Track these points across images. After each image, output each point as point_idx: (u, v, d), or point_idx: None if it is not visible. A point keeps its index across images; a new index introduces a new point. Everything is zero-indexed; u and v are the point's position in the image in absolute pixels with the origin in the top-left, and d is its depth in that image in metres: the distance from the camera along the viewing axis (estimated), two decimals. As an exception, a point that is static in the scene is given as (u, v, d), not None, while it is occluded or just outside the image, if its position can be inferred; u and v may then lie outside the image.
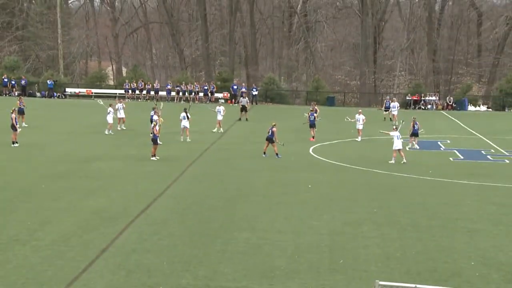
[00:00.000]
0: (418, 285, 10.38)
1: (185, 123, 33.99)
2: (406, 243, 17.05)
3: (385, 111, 48.49)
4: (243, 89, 58.25)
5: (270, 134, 29.44)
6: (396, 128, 29.80)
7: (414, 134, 33.23)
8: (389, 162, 29.03)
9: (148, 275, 14.22)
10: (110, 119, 36.30)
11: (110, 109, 36.66)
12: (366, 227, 18.55)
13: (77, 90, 64.72)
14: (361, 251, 16.33)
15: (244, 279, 14.16)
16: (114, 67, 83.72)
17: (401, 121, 32.67)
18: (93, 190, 22.52)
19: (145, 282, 13.76)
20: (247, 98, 49.12)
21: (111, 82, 74.89)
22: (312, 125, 35.74)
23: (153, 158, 28.47)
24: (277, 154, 29.51)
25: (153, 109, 34.83)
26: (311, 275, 14.53)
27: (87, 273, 14.26)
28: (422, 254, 16.14)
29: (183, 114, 34.13)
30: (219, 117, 37.68)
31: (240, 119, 45.07)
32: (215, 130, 37.67)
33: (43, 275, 14.04)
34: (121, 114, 38.65)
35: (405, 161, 28.97)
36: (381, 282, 10.20)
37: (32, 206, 20.00)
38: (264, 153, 29.80)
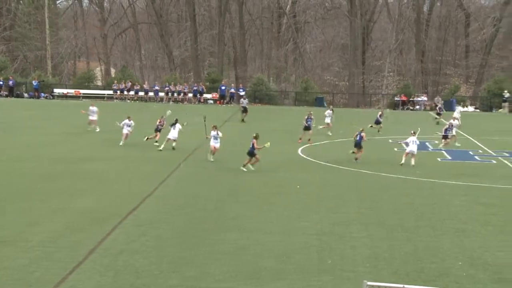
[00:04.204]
0: (406, 285, 10.42)
1: (175, 134, 32.81)
2: (394, 244, 17.10)
3: (438, 115, 48.13)
4: (242, 92, 58.51)
5: (251, 148, 26.80)
6: (414, 133, 29.66)
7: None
8: (401, 163, 28.76)
9: (136, 276, 14.19)
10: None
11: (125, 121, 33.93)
12: (354, 228, 18.59)
13: (65, 91, 64.50)
14: (349, 252, 16.36)
15: (232, 280, 14.16)
16: (102, 68, 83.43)
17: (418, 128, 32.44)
18: (82, 191, 22.44)
19: (133, 283, 13.73)
20: (247, 100, 49.01)
21: (100, 83, 74.64)
22: (308, 128, 35.64)
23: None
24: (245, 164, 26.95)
25: (176, 120, 33.61)
26: (299, 275, 14.54)
27: (75, 273, 14.21)
28: (410, 255, 16.19)
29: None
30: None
31: (243, 120, 44.94)
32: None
33: (31, 276, 13.98)
34: (94, 116, 38.05)
35: (413, 164, 28.75)
36: (369, 283, 10.22)
37: (21, 207, 19.89)
38: (244, 165, 26.89)
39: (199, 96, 61.04)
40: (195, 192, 22.78)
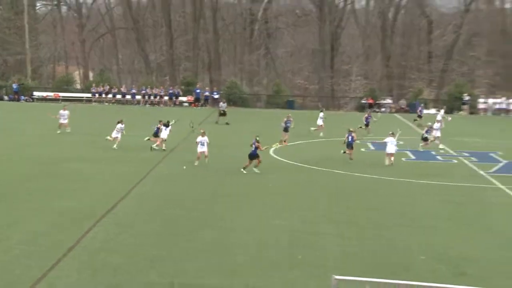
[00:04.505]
0: (371, 279, 10.47)
1: (165, 134, 32.24)
2: (362, 240, 17.20)
3: (419, 117, 48.04)
4: (216, 95, 58.80)
5: (253, 150, 26.26)
6: (393, 134, 30.02)
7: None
8: (386, 164, 29.11)
9: (114, 273, 14.09)
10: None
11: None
12: (325, 225, 18.67)
13: (44, 94, 63.75)
14: (320, 248, 16.42)
15: (208, 276, 14.13)
16: (81, 72, 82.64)
17: (398, 129, 32.73)
18: (62, 191, 22.22)
19: (111, 281, 13.63)
20: (226, 104, 48.82)
21: (78, 86, 73.99)
22: (286, 129, 35.68)
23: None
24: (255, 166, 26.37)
25: (168, 122, 32.96)
26: (272, 271, 14.56)
27: (54, 271, 14.07)
28: (378, 251, 16.30)
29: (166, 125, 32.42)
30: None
31: (227, 123, 44.57)
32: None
33: (11, 274, 13.82)
34: (65, 120, 37.46)
35: (391, 163, 29.11)
36: (336, 277, 10.27)
37: (1, 207, 19.64)
38: (244, 168, 26.37)
39: (174, 99, 60.86)
40: (172, 191, 22.70)
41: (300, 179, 25.76)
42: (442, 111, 49.68)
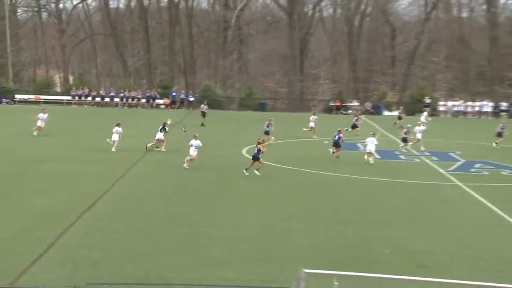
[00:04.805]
0: (338, 272, 10.53)
1: (160, 135, 31.95)
2: (329, 235, 17.31)
3: (399, 119, 48.22)
4: (191, 97, 59.17)
5: (256, 152, 25.89)
6: (374, 135, 30.61)
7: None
8: (370, 163, 29.49)
9: (93, 267, 14.01)
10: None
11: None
12: (293, 221, 18.74)
13: (26, 97, 63.00)
14: (289, 243, 16.49)
15: (182, 270, 14.11)
16: (61, 75, 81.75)
17: (378, 131, 33.39)
18: (42, 189, 21.99)
19: (90, 274, 13.54)
20: (207, 106, 48.67)
21: (59, 89, 73.23)
22: (267, 132, 35.71)
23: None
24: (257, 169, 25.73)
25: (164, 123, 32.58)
26: (243, 265, 14.60)
27: (35, 266, 13.94)
28: (344, 245, 16.43)
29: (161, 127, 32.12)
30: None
31: (202, 124, 44.21)
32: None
33: (-7, 270, 13.66)
34: (42, 124, 36.83)
35: (369, 161, 29.50)
36: (305, 270, 10.29)
37: (-18, 206, 19.40)
38: (246, 169, 25.84)
39: (151, 102, 60.62)
40: (148, 190, 22.60)
41: (272, 178, 25.74)
42: (426, 113, 50.18)
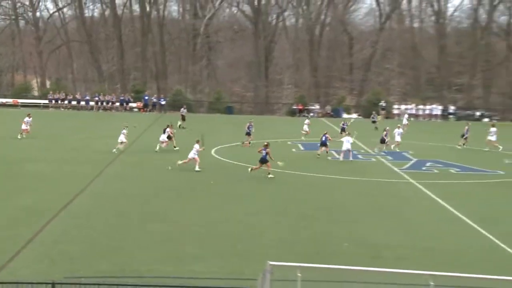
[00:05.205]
0: (302, 264, 10.55)
1: (163, 137, 31.68)
2: (296, 230, 17.34)
3: (373, 122, 48.33)
4: (163, 101, 59.22)
5: (264, 155, 25.42)
6: (349, 134, 32.34)
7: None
8: (340, 160, 30.67)
9: (70, 262, 13.81)
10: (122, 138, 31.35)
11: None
12: (262, 217, 18.73)
13: (4, 100, 61.96)
14: (258, 237, 16.49)
15: (157, 263, 14.01)
16: (38, 80, 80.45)
17: (355, 132, 33.99)
18: (21, 189, 21.57)
19: (67, 269, 13.34)
20: (186, 109, 48.33)
21: (36, 93, 72.06)
22: (248, 134, 35.77)
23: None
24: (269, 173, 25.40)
25: (167, 126, 32.42)
26: (215, 259, 14.55)
27: (13, 262, 13.68)
28: (309, 239, 16.47)
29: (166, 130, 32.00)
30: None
31: (180, 126, 43.55)
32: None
33: (-27, 266, 13.37)
34: (27, 127, 36.07)
35: (342, 159, 30.60)
36: (271, 262, 10.29)
37: (-37, 205, 18.97)
38: (251, 169, 25.65)
39: (125, 105, 60.16)
40: (123, 188, 22.38)
41: (240, 176, 25.68)
42: (407, 115, 50.39)
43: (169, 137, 31.75)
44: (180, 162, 26.62)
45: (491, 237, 17.13)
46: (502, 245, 16.33)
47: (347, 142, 31.16)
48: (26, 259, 13.97)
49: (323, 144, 31.69)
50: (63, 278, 12.05)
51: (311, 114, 60.97)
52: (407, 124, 42.55)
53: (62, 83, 67.29)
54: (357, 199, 22.08)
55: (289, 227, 17.65)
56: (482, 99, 69.95)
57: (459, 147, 37.01)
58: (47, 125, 35.79)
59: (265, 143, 26.13)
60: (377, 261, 14.56)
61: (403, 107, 62.14)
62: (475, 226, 18.33)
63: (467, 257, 15.39)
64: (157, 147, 31.28)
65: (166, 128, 32.00)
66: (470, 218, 19.11)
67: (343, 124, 40.85)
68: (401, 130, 36.46)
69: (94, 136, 33.60)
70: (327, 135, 32.09)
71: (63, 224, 17.11)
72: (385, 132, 35.01)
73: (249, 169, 25.77)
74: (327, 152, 31.82)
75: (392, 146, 34.92)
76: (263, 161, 25.46)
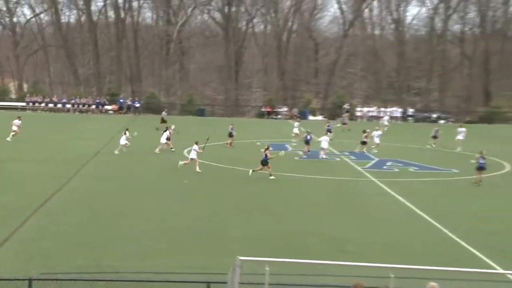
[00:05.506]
0: (270, 259, 10.56)
1: (163, 139, 31.59)
2: (264, 226, 17.36)
3: (343, 124, 48.22)
4: (137, 104, 58.30)
5: (264, 157, 25.24)
6: (326, 134, 33.62)
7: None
8: (320, 157, 31.40)
9: (47, 258, 13.62)
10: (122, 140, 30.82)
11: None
12: (231, 214, 18.74)
13: (-19, 103, 60.62)
14: (227, 233, 16.49)
15: (131, 259, 13.91)
16: (16, 83, 79.00)
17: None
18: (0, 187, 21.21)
19: (44, 264, 13.15)
20: (167, 113, 47.88)
21: (13, 96, 70.73)
22: (230, 135, 35.87)
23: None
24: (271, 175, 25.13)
25: (166, 128, 32.74)
26: (185, 255, 14.51)
27: (-8, 260, 13.44)
28: (279, 234, 16.50)
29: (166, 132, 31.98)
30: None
31: (157, 128, 42.77)
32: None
33: (-48, 264, 13.07)
34: (17, 128, 35.47)
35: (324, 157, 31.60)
36: (240, 257, 10.28)
37: None
38: (254, 170, 25.40)
39: (101, 108, 59.46)
40: (97, 188, 22.13)
41: (211, 175, 25.63)
42: (387, 117, 50.43)
43: (168, 138, 31.70)
44: (181, 163, 26.52)
45: (445, 230, 17.44)
46: (455, 238, 16.65)
47: (325, 141, 32.07)
48: (2, 257, 13.72)
49: (307, 142, 32.56)
50: (40, 275, 11.86)
51: (279, 116, 61.00)
52: (388, 125, 42.64)
53: (39, 87, 66.16)
54: (321, 196, 22.21)
55: (257, 223, 17.68)
56: (438, 102, 71.13)
57: (429, 147, 37.63)
58: (25, 126, 35.17)
59: (266, 146, 26.23)
60: (341, 254, 14.69)
61: (365, 109, 62.64)
62: (431, 220, 18.64)
63: (422, 249, 15.64)
64: (157, 149, 31.08)
65: (165, 130, 31.91)
66: (426, 213, 19.42)
67: (328, 126, 40.73)
68: (380, 132, 36.63)
69: (71, 137, 33.13)
70: (311, 135, 32.91)
71: (40, 221, 16.88)
72: (365, 134, 34.97)
73: (250, 171, 25.44)
74: (308, 151, 32.44)
75: (373, 146, 34.98)
76: (264, 163, 25.32)
